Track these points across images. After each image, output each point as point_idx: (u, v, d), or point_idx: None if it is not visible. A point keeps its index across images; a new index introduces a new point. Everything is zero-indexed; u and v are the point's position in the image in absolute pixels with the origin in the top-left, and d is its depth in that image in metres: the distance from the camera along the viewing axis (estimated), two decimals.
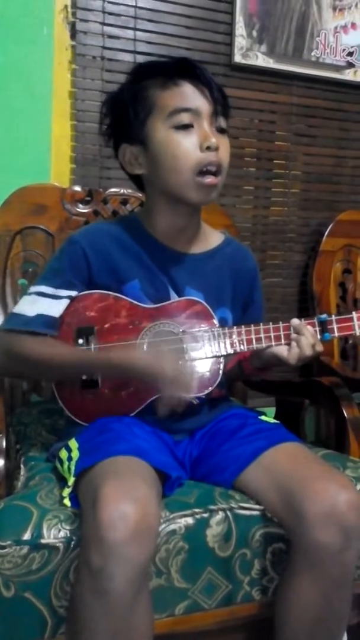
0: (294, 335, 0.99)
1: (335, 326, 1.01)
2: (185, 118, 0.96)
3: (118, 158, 1.05)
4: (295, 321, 1.00)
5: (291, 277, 1.87)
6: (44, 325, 0.99)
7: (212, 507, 0.94)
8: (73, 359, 0.99)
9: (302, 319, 1.01)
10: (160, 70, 0.99)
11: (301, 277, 1.87)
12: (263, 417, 1.09)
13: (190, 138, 0.96)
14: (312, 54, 1.77)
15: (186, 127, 0.96)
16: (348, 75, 1.83)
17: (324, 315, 1.01)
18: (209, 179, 0.97)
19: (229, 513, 0.94)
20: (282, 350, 1.00)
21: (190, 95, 0.96)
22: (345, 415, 1.16)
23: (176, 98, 0.96)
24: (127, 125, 1.00)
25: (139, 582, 0.78)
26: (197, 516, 0.92)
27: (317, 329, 1.00)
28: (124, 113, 1.00)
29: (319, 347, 0.99)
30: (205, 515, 0.93)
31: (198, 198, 1.00)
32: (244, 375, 1.18)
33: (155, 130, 0.97)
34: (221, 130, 0.99)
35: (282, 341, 1.00)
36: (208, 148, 0.95)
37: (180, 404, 0.98)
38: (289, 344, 0.99)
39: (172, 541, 0.90)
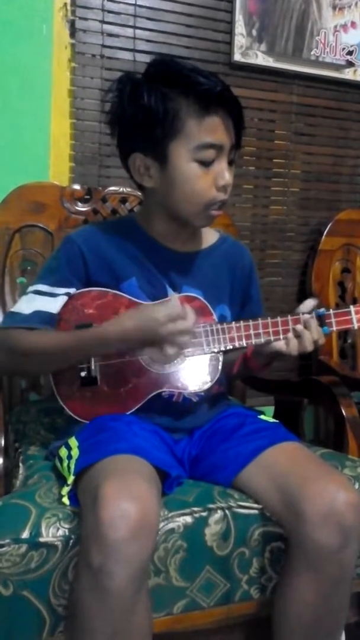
0: (299, 327, 0.99)
1: (333, 320, 1.01)
2: (210, 154, 0.96)
3: (127, 163, 1.02)
4: (304, 317, 1.00)
5: (290, 276, 1.87)
6: (41, 321, 0.99)
7: (211, 505, 0.94)
8: (68, 342, 0.97)
9: (302, 314, 1.01)
10: (196, 92, 0.93)
11: (300, 276, 1.87)
12: (262, 417, 1.10)
13: (209, 175, 0.97)
14: (312, 52, 1.77)
15: (208, 163, 0.96)
16: (348, 75, 1.83)
17: (322, 310, 1.02)
18: (215, 212, 1.01)
19: (227, 512, 0.94)
20: (281, 345, 1.00)
21: (219, 130, 0.96)
22: (344, 414, 1.16)
23: (207, 132, 0.95)
24: (146, 136, 0.97)
25: (139, 581, 0.78)
26: (196, 515, 0.92)
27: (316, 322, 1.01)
28: (146, 122, 0.95)
29: (322, 341, 1.00)
30: (204, 514, 0.93)
31: (200, 224, 1.05)
32: (251, 372, 1.18)
33: (178, 156, 0.96)
34: (230, 162, 1.00)
35: (280, 336, 1.00)
36: (222, 187, 0.97)
37: (185, 346, 0.96)
38: (286, 338, 0.99)
39: (170, 540, 0.90)
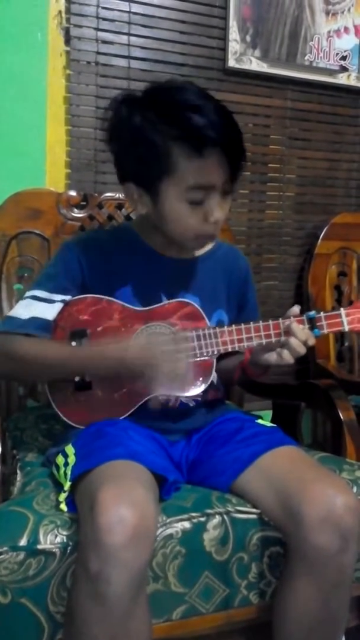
0: (283, 339, 0.99)
1: (324, 322, 1.02)
2: (200, 195, 0.95)
3: (124, 191, 1.02)
4: (285, 322, 1.00)
5: (287, 280, 1.87)
6: (38, 327, 1.00)
7: (209, 511, 0.93)
8: (67, 356, 0.99)
9: (292, 317, 1.01)
10: (191, 136, 0.91)
11: (297, 280, 1.87)
12: (260, 421, 1.10)
13: (199, 212, 0.96)
14: (306, 58, 1.78)
15: (199, 202, 0.95)
16: (341, 79, 1.84)
17: (312, 312, 1.02)
18: (206, 242, 1.05)
19: (225, 517, 0.94)
20: (275, 358, 1.00)
21: (213, 172, 0.94)
22: (342, 417, 1.16)
23: (200, 174, 0.93)
24: (139, 170, 0.96)
25: (137, 586, 0.78)
26: (194, 520, 0.92)
27: (307, 326, 1.01)
28: (139, 155, 0.95)
29: (311, 342, 1.00)
30: (202, 519, 0.93)
31: (194, 248, 1.07)
32: (250, 378, 1.18)
33: (169, 195, 0.95)
34: (226, 192, 0.98)
35: (273, 339, 1.00)
36: (212, 223, 0.97)
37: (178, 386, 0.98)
38: (279, 342, 1.00)
39: (169, 545, 0.90)
